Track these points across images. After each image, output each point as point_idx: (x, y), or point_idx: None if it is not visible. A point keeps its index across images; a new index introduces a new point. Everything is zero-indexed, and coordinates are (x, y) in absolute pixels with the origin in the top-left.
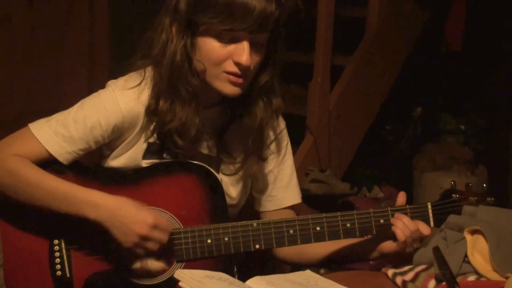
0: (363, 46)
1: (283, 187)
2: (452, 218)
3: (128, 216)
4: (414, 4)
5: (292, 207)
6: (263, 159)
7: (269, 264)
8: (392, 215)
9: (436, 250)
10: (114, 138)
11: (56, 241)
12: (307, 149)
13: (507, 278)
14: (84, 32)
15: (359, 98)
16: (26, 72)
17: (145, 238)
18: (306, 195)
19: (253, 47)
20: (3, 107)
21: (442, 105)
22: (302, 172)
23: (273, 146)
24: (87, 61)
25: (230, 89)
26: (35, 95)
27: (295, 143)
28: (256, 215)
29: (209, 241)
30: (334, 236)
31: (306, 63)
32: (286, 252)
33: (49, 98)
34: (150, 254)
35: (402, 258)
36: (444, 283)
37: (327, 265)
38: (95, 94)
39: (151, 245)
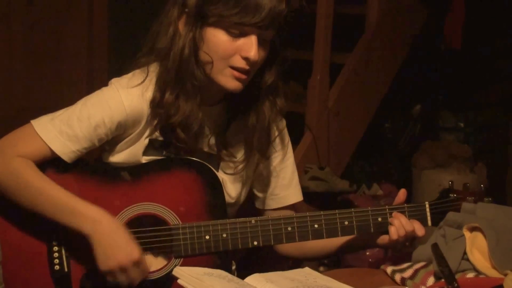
0: (362, 43)
1: (285, 185)
2: (451, 215)
3: (119, 243)
4: (414, 1)
5: (293, 205)
6: (266, 157)
7: (268, 261)
8: (390, 214)
9: (435, 247)
10: (117, 135)
11: (54, 237)
12: (306, 146)
13: (506, 275)
14: (83, 30)
15: (358, 95)
16: (25, 69)
17: (122, 270)
18: (305, 193)
19: (260, 43)
20: (3, 104)
21: (441, 103)
22: (301, 169)
23: (275, 145)
24: (86, 59)
25: (233, 84)
26: (34, 91)
27: (294, 141)
28: (256, 213)
29: (207, 237)
30: (332, 234)
31: (305, 61)
32: (285, 246)
33: (48, 95)
34: (148, 249)
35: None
36: (443, 280)
37: (325, 257)
38: (98, 92)
39: (123, 279)
